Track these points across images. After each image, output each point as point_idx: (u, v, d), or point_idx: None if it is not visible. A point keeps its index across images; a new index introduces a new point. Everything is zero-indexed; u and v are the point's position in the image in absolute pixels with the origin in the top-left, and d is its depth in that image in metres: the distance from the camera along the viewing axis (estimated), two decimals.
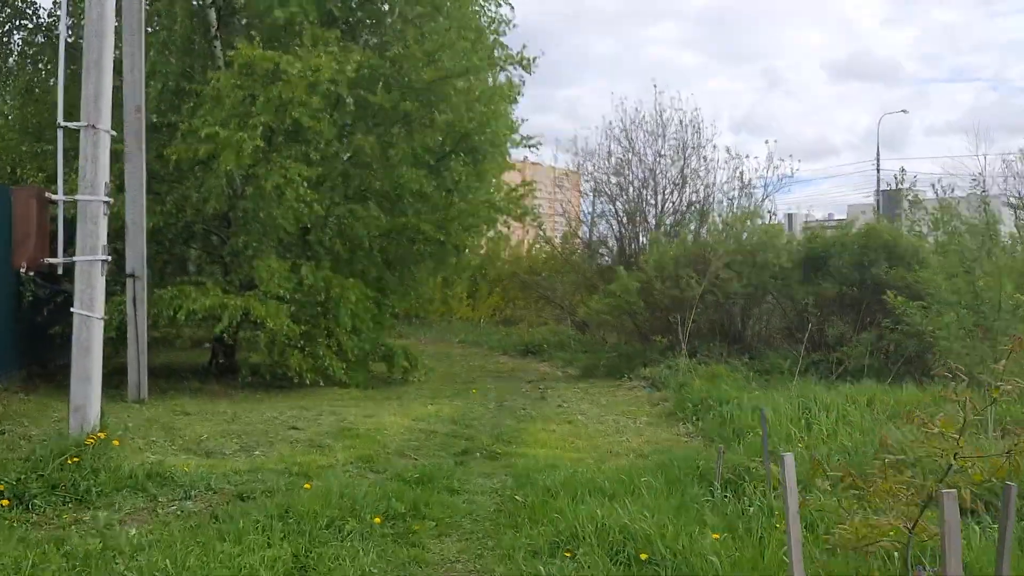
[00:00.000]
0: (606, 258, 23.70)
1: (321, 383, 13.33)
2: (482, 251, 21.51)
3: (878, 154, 41.83)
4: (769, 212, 19.33)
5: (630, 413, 11.98)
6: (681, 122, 21.73)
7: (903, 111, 76.12)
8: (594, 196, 23.87)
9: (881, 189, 38.23)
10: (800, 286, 15.33)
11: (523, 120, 16.68)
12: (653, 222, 21.95)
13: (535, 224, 20.27)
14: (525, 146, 17.05)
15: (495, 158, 15.54)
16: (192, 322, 12.22)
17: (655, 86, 33.32)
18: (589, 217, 23.92)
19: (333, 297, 13.29)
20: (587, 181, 22.72)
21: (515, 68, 14.99)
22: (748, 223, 16.13)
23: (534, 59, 14.89)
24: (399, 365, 15.14)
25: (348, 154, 13.66)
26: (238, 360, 14.53)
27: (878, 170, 41.04)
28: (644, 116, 22.00)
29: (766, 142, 30.85)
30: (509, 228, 18.78)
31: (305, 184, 12.26)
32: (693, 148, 21.73)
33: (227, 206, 12.66)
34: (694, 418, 10.83)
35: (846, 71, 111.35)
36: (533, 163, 29.49)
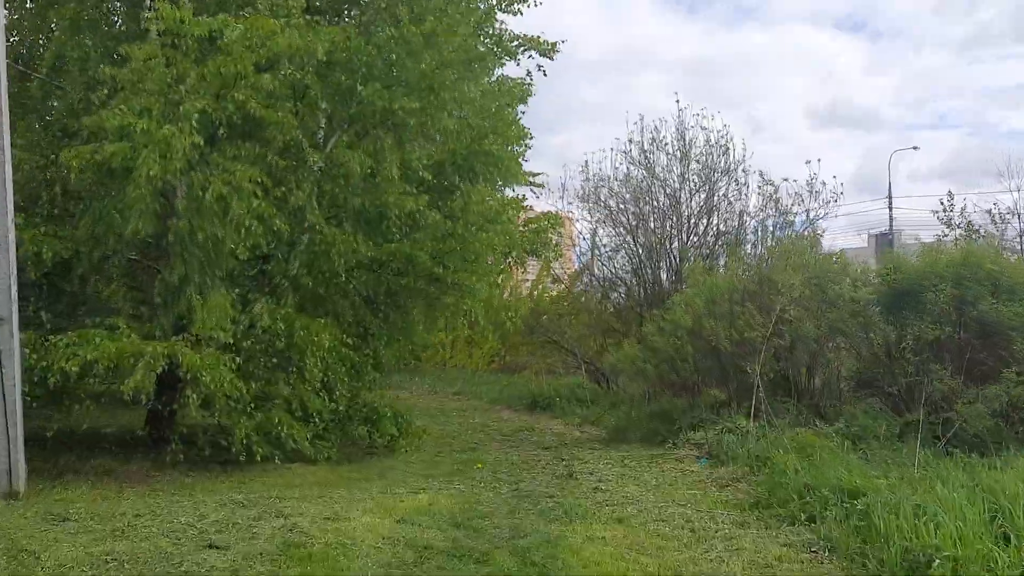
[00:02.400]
0: (621, 297, 20.33)
1: (278, 458, 9.82)
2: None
3: (890, 192, 38.56)
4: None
5: (698, 502, 8.46)
6: (708, 142, 18.54)
7: (914, 147, 73.66)
8: (591, 227, 20.57)
9: (875, 232, 35.29)
10: (882, 326, 11.92)
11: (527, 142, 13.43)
12: (676, 255, 18.64)
13: (546, 261, 16.85)
14: (528, 183, 13.81)
15: (507, 173, 12.20)
16: (95, 376, 8.64)
17: (677, 101, 29.16)
18: (602, 251, 20.48)
19: (298, 343, 9.83)
20: (600, 210, 19.41)
21: (531, 55, 11.72)
22: (810, 252, 12.77)
23: (554, 46, 11.64)
24: (384, 431, 11.64)
25: (319, 164, 10.27)
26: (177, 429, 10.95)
27: (890, 207, 37.90)
28: (665, 136, 18.79)
29: (807, 162, 27.28)
30: (523, 265, 15.29)
31: (260, 194, 8.87)
32: (722, 171, 18.52)
33: (156, 227, 9.14)
34: (804, 517, 7.33)
35: (828, 118, 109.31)
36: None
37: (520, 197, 13.78)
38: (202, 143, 8.56)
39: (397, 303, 11.33)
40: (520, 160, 13.10)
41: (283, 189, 9.63)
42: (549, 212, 14.50)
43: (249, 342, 9.55)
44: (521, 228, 13.14)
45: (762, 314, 11.77)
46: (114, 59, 9.88)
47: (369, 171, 10.09)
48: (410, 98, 10.06)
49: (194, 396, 8.86)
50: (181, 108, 8.23)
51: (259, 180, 8.64)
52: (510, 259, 13.21)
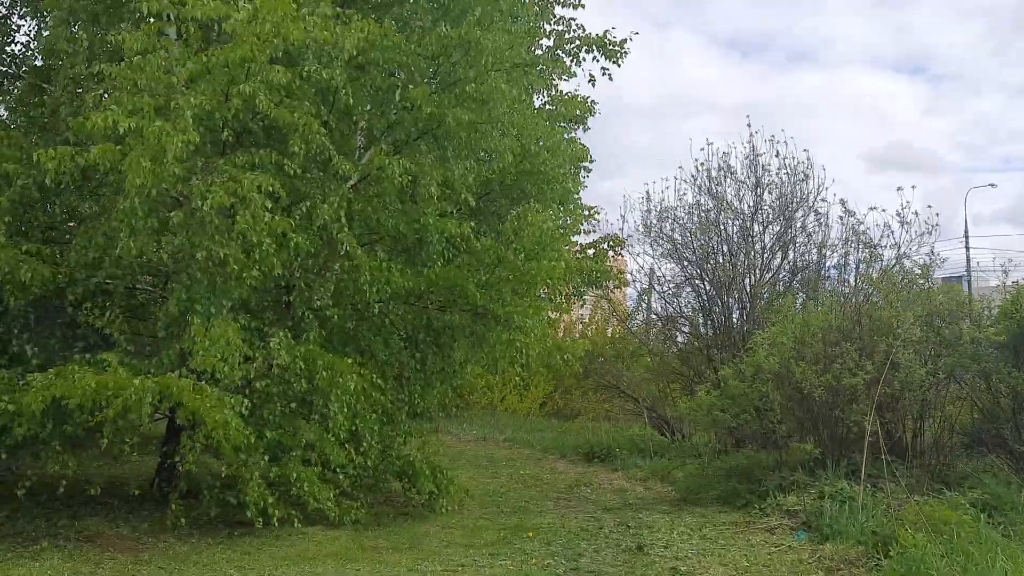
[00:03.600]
0: (686, 338, 18.45)
1: (297, 521, 8.22)
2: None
3: (966, 231, 36.01)
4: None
5: None
6: (785, 169, 16.69)
7: (991, 185, 69.99)
8: (652, 261, 18.70)
9: (945, 276, 32.72)
10: (1009, 372, 9.93)
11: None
12: (748, 292, 16.76)
13: (604, 296, 15.03)
14: (585, 217, 12.23)
15: (564, 197, 10.65)
16: (65, 415, 7.14)
17: (749, 124, 25.28)
18: (664, 287, 18.60)
19: (320, 385, 8.25)
20: (663, 243, 17.60)
21: (594, 56, 10.15)
22: (923, 284, 10.86)
23: (623, 44, 10.08)
24: (422, 487, 10.00)
25: (353, 176, 8.80)
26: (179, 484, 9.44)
27: (967, 247, 35.35)
28: (735, 163, 17.00)
29: (899, 189, 24.04)
30: (580, 299, 13.53)
31: (272, 207, 7.38)
32: (801, 200, 16.65)
33: (152, 248, 7.69)
34: None
35: (885, 161, 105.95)
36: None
37: (578, 219, 12.18)
38: (198, 141, 7.08)
39: (438, 341, 9.71)
40: (578, 182, 11.54)
41: (307, 204, 8.17)
42: (610, 235, 12.81)
43: (264, 383, 8.01)
44: (578, 255, 11.48)
45: (863, 357, 9.88)
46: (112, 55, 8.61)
47: (408, 187, 8.60)
48: (463, 107, 8.59)
49: (192, 443, 7.32)
50: (175, 104, 6.80)
51: (270, 190, 7.14)
52: (566, 291, 11.55)
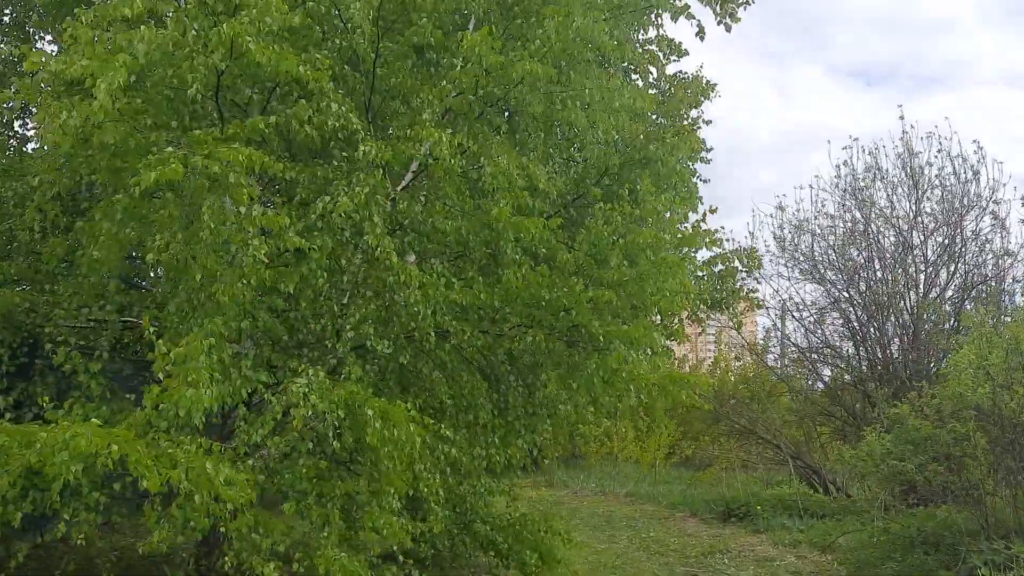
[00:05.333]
0: (832, 369, 15.53)
1: None
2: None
3: None
4: None
5: None
6: (950, 167, 13.79)
7: None
8: (788, 282, 15.82)
9: None
10: None
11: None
12: (910, 314, 13.82)
13: (733, 322, 12.44)
14: (704, 244, 9.87)
15: (683, 195, 8.41)
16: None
17: (902, 117, 20.83)
18: (804, 313, 15.74)
19: (372, 443, 6.11)
20: (801, 261, 14.87)
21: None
22: None
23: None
24: (514, 560, 7.78)
25: (413, 164, 6.86)
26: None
27: None
28: (884, 164, 14.22)
29: None
30: (702, 323, 10.99)
31: (252, 188, 5.40)
32: (972, 202, 13.68)
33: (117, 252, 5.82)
34: None
35: None
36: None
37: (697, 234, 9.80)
38: (128, 81, 5.13)
39: (520, 375, 7.52)
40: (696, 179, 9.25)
41: (326, 200, 6.15)
42: (741, 248, 10.31)
43: (278, 440, 5.99)
44: (698, 272, 9.10)
45: None
46: None
47: (471, 176, 6.57)
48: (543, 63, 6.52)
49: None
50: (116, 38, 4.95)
51: (250, 163, 5.14)
52: (686, 312, 9.18)
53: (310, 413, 5.54)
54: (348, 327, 6.38)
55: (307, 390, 5.66)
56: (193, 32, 5.09)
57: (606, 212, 7.35)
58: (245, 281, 5.46)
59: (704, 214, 9.66)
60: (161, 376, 5.05)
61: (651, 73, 9.31)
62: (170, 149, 5.06)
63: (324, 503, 6.05)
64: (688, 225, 9.08)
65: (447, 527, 7.26)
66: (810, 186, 14.60)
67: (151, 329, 5.32)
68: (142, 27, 4.87)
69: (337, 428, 5.89)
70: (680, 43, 8.51)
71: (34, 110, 7.52)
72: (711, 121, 9.26)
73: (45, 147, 6.39)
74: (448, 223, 6.80)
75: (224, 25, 4.98)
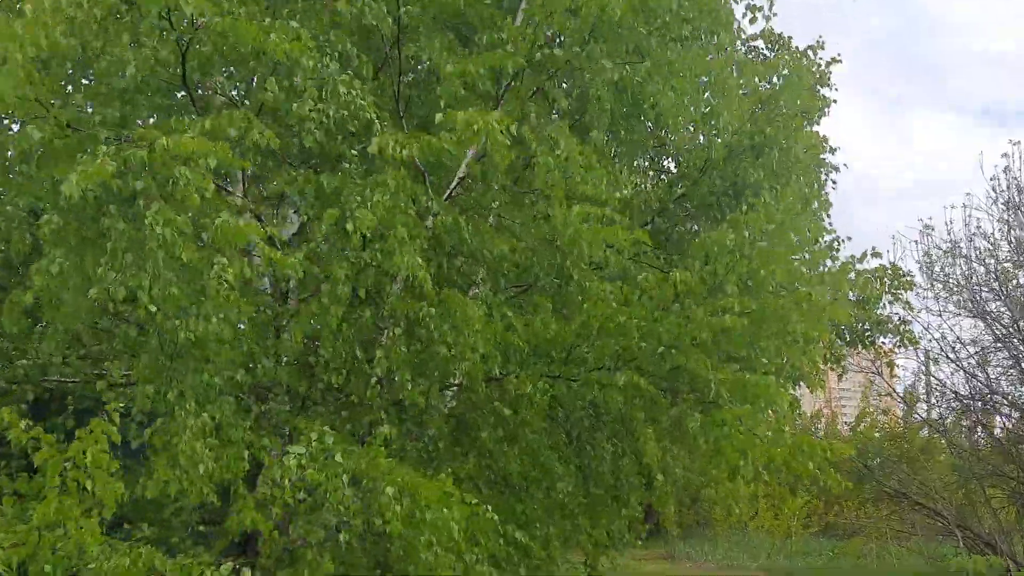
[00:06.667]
0: (1005, 419, 12.90)
1: None
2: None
3: None
4: None
5: None
6: None
7: None
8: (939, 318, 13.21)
9: None
10: None
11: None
12: None
13: (882, 364, 10.12)
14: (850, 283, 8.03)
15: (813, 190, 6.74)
16: None
17: None
18: (959, 354, 13.14)
19: (391, 532, 4.51)
20: (951, 292, 12.46)
21: None
22: None
23: None
24: None
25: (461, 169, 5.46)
26: None
27: None
28: None
29: None
30: (839, 366, 8.79)
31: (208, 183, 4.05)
32: None
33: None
34: None
35: None
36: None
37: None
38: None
39: (607, 429, 5.83)
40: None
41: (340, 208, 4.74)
42: (885, 266, 8.25)
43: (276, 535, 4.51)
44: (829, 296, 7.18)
45: None
46: None
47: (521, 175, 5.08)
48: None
49: None
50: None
51: (204, 154, 3.79)
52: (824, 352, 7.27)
53: (300, 494, 4.08)
54: (376, 372, 4.89)
55: (302, 460, 4.20)
56: None
57: (734, 219, 5.67)
58: (220, 316, 4.10)
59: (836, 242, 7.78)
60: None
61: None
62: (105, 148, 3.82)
63: None
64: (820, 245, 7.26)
65: None
66: (963, 205, 12.25)
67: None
68: None
69: (344, 512, 4.38)
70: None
71: None
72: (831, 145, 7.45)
73: None
74: (500, 242, 5.27)
75: None
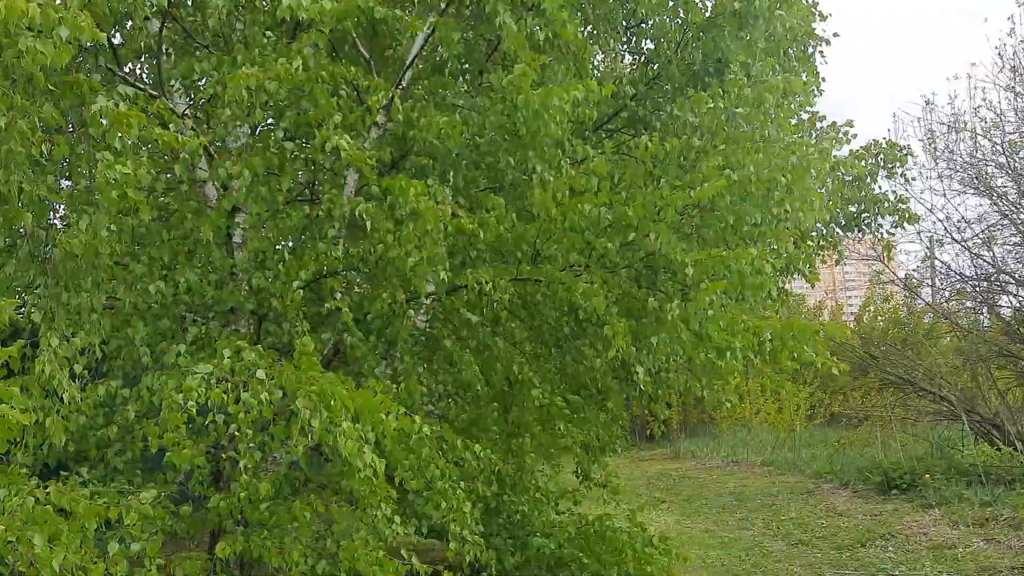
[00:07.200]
0: (1012, 299, 12.48)
1: None
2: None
3: None
4: None
5: None
6: None
7: None
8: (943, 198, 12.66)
9: None
10: None
11: None
12: None
13: (883, 250, 9.61)
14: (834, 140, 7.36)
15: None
16: None
17: None
18: (964, 234, 12.59)
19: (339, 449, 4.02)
20: (956, 170, 11.86)
21: None
22: None
23: None
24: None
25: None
26: None
27: None
28: None
29: None
30: (836, 249, 8.23)
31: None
32: None
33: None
34: None
35: None
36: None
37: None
38: None
39: (578, 332, 5.37)
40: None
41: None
42: (885, 142, 7.59)
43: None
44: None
45: None
46: None
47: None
48: None
49: None
50: None
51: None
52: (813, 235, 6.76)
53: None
54: (300, 278, 4.40)
55: (208, 381, 3.76)
56: None
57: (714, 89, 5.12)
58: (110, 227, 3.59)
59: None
60: None
61: None
62: None
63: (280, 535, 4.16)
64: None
65: (492, 546, 5.28)
66: (968, 75, 11.56)
67: None
68: None
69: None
70: None
71: None
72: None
73: None
74: (441, 118, 4.68)
75: None
